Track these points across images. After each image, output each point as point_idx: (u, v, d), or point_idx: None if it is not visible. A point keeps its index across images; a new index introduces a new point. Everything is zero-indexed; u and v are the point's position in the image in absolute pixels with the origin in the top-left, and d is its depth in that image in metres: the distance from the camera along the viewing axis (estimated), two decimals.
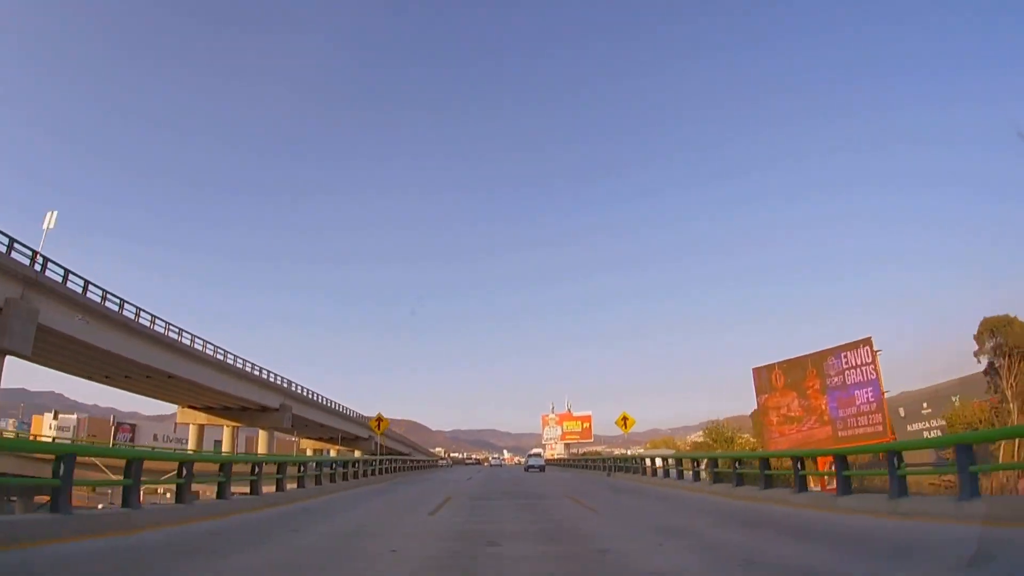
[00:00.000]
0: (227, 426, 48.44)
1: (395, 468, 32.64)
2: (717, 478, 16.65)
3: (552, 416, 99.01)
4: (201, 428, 49.38)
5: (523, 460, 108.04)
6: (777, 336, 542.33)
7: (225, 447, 48.53)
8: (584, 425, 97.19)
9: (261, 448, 47.78)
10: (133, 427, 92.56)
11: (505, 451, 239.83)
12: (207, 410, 48.64)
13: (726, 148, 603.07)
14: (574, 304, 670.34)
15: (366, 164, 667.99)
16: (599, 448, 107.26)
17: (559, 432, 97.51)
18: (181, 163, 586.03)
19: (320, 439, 74.87)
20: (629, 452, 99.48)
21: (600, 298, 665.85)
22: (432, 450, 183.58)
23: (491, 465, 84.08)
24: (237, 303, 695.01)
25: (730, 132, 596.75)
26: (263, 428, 47.89)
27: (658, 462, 24.90)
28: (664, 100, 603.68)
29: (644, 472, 25.42)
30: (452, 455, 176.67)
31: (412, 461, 50.09)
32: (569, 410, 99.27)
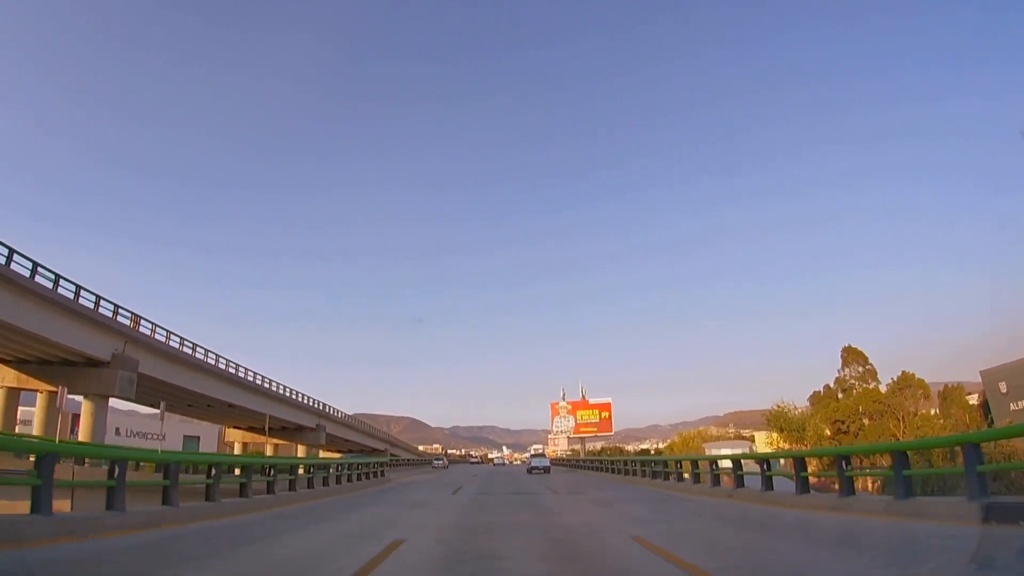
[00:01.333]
0: (42, 391, 29.82)
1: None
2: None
3: (563, 404, 79.42)
4: (16, 393, 30.93)
5: (524, 458, 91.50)
6: (782, 333, 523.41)
7: (36, 428, 29.87)
8: (603, 415, 77.49)
9: (82, 434, 29.14)
10: None
11: (504, 447, 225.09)
12: (19, 365, 30.18)
13: (731, 141, 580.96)
14: (573, 300, 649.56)
15: (365, 160, 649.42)
16: (620, 446, 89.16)
17: (572, 423, 77.94)
18: (180, 160, 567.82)
19: (252, 428, 56.10)
20: (649, 448, 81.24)
21: (601, 293, 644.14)
22: (428, 448, 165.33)
23: (495, 464, 77.75)
24: (229, 300, 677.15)
25: (738, 125, 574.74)
26: (87, 396, 29.17)
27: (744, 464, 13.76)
28: (672, 94, 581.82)
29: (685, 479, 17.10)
30: (450, 452, 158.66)
31: (348, 467, 31.36)
32: (584, 398, 79.74)
